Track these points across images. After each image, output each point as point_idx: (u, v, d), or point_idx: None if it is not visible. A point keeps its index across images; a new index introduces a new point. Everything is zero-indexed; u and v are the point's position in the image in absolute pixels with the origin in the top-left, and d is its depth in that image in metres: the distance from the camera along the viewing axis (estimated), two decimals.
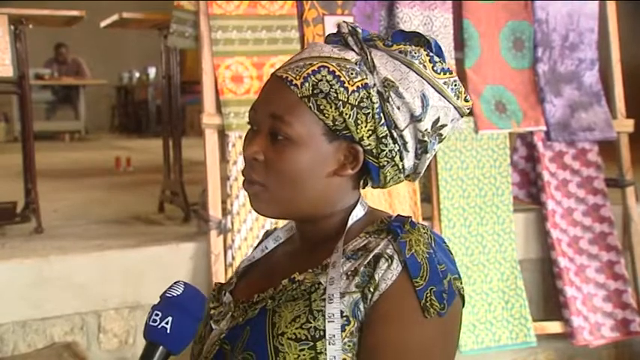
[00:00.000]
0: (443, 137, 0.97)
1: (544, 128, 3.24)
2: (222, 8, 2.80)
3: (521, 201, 3.32)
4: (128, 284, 2.62)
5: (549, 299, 3.30)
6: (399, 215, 0.96)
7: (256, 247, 1.10)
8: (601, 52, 3.39)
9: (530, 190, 3.33)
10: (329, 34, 0.99)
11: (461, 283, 0.93)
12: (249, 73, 2.81)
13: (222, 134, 2.78)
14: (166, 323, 0.89)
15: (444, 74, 0.94)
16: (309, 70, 0.92)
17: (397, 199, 2.97)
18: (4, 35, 2.76)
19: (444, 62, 0.95)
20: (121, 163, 5.76)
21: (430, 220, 3.05)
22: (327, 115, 0.91)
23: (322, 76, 0.91)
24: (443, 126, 0.95)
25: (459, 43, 3.15)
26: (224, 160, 2.81)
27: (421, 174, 0.99)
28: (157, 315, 0.90)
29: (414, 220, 0.94)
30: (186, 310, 0.91)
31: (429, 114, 0.93)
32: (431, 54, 0.94)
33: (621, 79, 3.42)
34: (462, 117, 0.98)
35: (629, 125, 3.40)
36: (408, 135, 0.94)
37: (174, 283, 0.94)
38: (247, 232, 2.73)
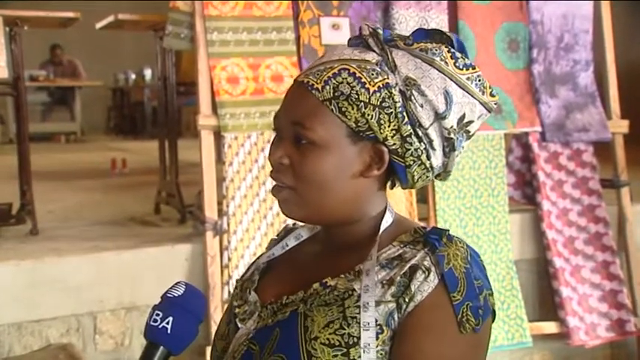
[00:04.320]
0: (471, 134, 0.96)
1: (539, 129, 3.25)
2: (217, 9, 2.80)
3: (516, 202, 3.33)
4: (124, 286, 2.62)
5: (545, 300, 3.31)
6: (434, 227, 0.95)
7: (275, 242, 1.09)
8: (596, 54, 3.40)
9: (526, 191, 3.33)
10: (351, 38, 0.99)
11: (494, 298, 0.93)
12: (245, 75, 2.81)
13: (218, 135, 2.78)
14: (167, 323, 0.89)
15: (467, 70, 0.94)
16: (330, 74, 0.92)
17: (393, 199, 2.97)
18: (0, 37, 2.76)
19: (467, 58, 0.95)
20: (116, 164, 5.75)
21: (426, 221, 3.05)
22: (349, 117, 0.91)
23: (343, 78, 0.91)
24: (469, 122, 0.95)
25: None
26: (220, 162, 2.81)
27: (451, 173, 0.98)
28: (157, 315, 0.90)
29: (450, 233, 0.93)
30: (187, 311, 0.91)
31: (454, 111, 0.93)
32: (452, 50, 0.94)
33: (616, 80, 3.43)
34: (489, 112, 0.97)
35: (623, 126, 3.41)
36: (433, 133, 0.93)
37: (176, 283, 0.94)
38: (243, 233, 2.73)
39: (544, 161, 3.26)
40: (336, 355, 0.88)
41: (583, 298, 3.21)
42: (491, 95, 0.96)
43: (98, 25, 3.76)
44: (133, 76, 9.69)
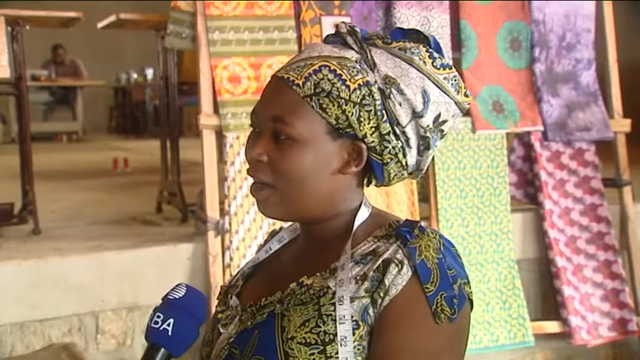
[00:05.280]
0: (444, 133, 0.97)
1: (541, 128, 3.25)
2: (219, 9, 2.80)
3: (518, 201, 3.32)
4: (126, 285, 2.62)
5: (547, 299, 3.31)
6: (407, 220, 0.96)
7: (261, 247, 1.09)
8: (598, 52, 3.40)
9: (528, 190, 3.33)
10: (328, 35, 0.99)
11: (470, 287, 0.93)
12: (247, 74, 2.82)
13: (220, 135, 2.78)
14: (168, 325, 0.89)
15: (444, 70, 0.94)
16: (311, 70, 0.92)
17: (395, 199, 2.97)
18: (1, 36, 2.76)
19: (444, 58, 0.95)
20: (118, 164, 5.76)
21: (428, 220, 3.05)
22: (329, 114, 0.92)
23: (324, 75, 0.92)
24: (444, 122, 0.95)
25: (456, 44, 3.15)
26: (221, 161, 2.81)
27: (424, 171, 0.99)
28: (158, 317, 0.90)
29: (422, 224, 0.94)
30: (187, 313, 0.91)
31: (430, 110, 0.93)
32: (430, 50, 0.95)
33: (618, 79, 3.43)
34: (462, 112, 0.98)
35: (626, 125, 3.40)
36: (410, 131, 0.94)
37: (177, 285, 0.94)
38: (245, 232, 2.73)
39: (546, 160, 3.26)
40: (312, 354, 0.88)
41: (585, 297, 3.20)
42: (465, 95, 0.97)
43: (100, 25, 3.76)
44: (135, 76, 9.70)
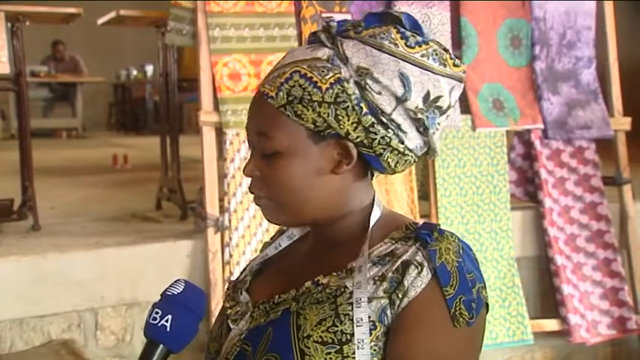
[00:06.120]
0: (445, 109, 0.94)
1: (541, 126, 3.24)
2: (219, 6, 2.80)
3: (518, 199, 3.32)
4: (125, 282, 2.62)
5: (546, 297, 3.31)
6: (425, 222, 0.95)
7: (269, 244, 1.09)
8: (598, 51, 3.40)
9: (528, 188, 3.33)
10: (310, 33, 0.99)
11: (486, 292, 0.93)
12: (247, 71, 2.81)
13: (220, 132, 2.78)
14: (166, 321, 0.89)
15: (420, 47, 0.91)
16: (282, 79, 0.92)
17: (394, 196, 2.97)
18: (1, 32, 2.75)
19: (420, 35, 0.92)
20: (118, 160, 5.76)
21: (427, 218, 3.05)
22: (306, 119, 0.91)
23: (295, 81, 0.91)
24: (438, 97, 0.92)
25: (457, 41, 3.15)
26: (221, 158, 2.81)
27: (437, 150, 0.96)
28: (157, 313, 0.90)
29: (442, 227, 0.93)
30: (186, 309, 0.91)
31: (415, 90, 0.91)
32: (402, 30, 0.92)
33: (618, 78, 3.42)
34: (460, 82, 0.94)
35: (626, 123, 3.40)
36: (398, 117, 0.92)
37: (175, 281, 0.94)
38: (245, 229, 2.73)
39: (546, 158, 3.26)
40: (329, 353, 0.88)
41: (584, 295, 3.21)
42: (455, 65, 0.93)
43: (100, 21, 3.76)
44: (135, 72, 9.70)
